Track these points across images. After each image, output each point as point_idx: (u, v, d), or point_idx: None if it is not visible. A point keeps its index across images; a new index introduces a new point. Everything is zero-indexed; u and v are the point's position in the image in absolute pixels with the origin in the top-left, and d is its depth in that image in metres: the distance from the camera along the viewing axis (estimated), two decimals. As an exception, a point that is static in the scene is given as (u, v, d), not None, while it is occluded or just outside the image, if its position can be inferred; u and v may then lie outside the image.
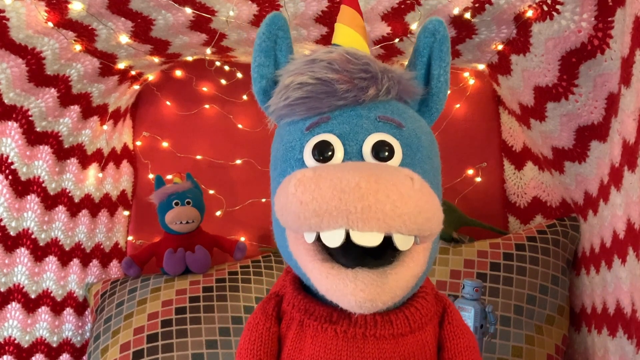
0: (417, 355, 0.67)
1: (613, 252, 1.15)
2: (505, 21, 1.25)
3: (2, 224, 1.33)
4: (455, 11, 1.24)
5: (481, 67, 1.58)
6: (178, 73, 1.87)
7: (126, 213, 1.88)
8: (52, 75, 1.34)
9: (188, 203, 1.65)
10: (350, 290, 0.56)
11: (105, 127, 1.67)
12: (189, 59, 1.71)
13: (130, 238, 1.90)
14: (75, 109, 1.48)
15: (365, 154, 0.63)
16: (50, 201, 1.48)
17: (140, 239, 1.89)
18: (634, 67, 0.95)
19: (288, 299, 0.71)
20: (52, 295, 1.53)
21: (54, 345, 1.54)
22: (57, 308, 1.55)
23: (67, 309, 1.60)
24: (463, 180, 1.80)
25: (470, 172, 1.80)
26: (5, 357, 1.38)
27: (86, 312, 1.69)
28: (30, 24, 1.19)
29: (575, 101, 1.24)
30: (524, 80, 1.34)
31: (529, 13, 1.18)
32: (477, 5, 1.21)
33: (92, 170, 1.67)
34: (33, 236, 1.44)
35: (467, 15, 1.24)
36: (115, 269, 1.82)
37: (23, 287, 1.42)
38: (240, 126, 1.88)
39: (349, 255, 0.58)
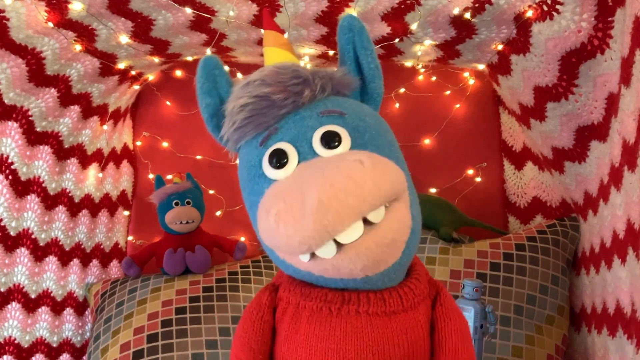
0: (409, 333, 0.70)
1: (613, 252, 1.15)
2: (505, 21, 1.25)
3: (2, 224, 1.33)
4: (455, 11, 1.24)
5: (481, 67, 1.58)
6: (178, 73, 1.87)
7: (126, 213, 1.88)
8: (52, 75, 1.34)
9: (188, 203, 1.65)
10: (355, 256, 0.62)
11: (105, 127, 1.67)
12: (189, 59, 1.71)
13: (130, 238, 1.90)
14: (75, 109, 1.48)
15: (317, 148, 0.67)
16: (50, 201, 1.48)
17: (140, 239, 1.89)
18: (634, 67, 0.95)
19: (284, 286, 0.75)
20: (52, 295, 1.53)
21: (54, 345, 1.54)
22: (57, 308, 1.55)
23: (67, 309, 1.60)
24: (463, 180, 1.80)
25: (470, 172, 1.80)
26: (5, 357, 1.38)
27: (86, 312, 1.69)
28: (30, 24, 1.19)
29: (575, 101, 1.24)
30: (524, 80, 1.34)
31: (529, 13, 1.18)
32: (477, 5, 1.21)
33: (92, 170, 1.67)
34: (33, 236, 1.44)
35: (467, 15, 1.24)
36: (115, 269, 1.82)
37: (23, 287, 1.42)
38: (240, 126, 1.88)
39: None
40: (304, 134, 0.68)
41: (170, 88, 1.90)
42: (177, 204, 1.64)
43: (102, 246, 1.75)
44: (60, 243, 1.55)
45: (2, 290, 1.35)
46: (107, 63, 1.48)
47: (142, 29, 1.37)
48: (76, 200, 1.60)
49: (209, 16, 1.32)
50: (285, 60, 0.77)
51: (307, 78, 0.70)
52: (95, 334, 1.53)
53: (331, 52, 1.56)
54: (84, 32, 1.31)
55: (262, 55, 1.62)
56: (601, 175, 1.24)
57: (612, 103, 1.14)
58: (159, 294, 1.54)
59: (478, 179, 1.80)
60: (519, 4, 1.18)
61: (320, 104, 0.70)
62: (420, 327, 0.72)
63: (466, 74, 1.79)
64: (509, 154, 1.76)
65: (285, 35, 0.84)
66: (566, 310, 1.46)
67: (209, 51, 1.55)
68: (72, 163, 1.55)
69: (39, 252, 1.47)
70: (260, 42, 1.50)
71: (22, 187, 1.37)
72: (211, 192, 1.87)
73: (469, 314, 1.19)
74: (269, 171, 0.68)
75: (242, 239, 1.84)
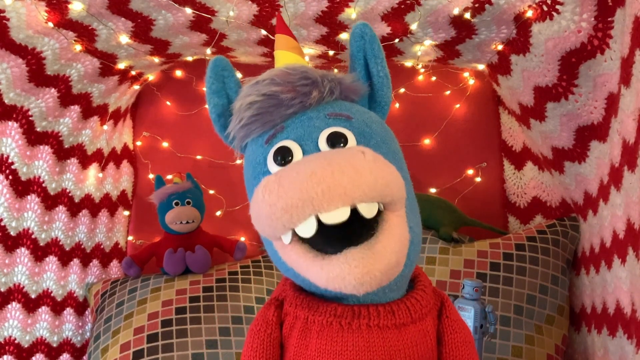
0: (420, 344, 0.70)
1: (613, 252, 1.15)
2: (505, 21, 1.25)
3: (3, 224, 1.33)
4: (455, 11, 1.24)
5: (481, 67, 1.58)
6: (178, 73, 1.88)
7: (126, 213, 1.88)
8: (52, 75, 1.35)
9: (188, 203, 1.65)
10: (346, 271, 0.60)
11: (105, 127, 1.67)
12: (189, 59, 1.71)
13: (130, 238, 1.90)
14: (75, 109, 1.48)
15: (322, 147, 0.67)
16: (50, 201, 1.48)
17: (140, 239, 1.89)
18: (633, 67, 0.95)
19: (290, 300, 0.73)
20: (52, 295, 1.53)
21: (54, 345, 1.54)
22: (57, 308, 1.55)
23: (67, 309, 1.60)
24: (463, 180, 1.80)
25: (470, 172, 1.81)
26: (5, 357, 1.38)
27: (86, 312, 1.69)
28: (31, 24, 1.19)
29: (575, 101, 1.24)
30: (524, 80, 1.35)
31: (529, 13, 1.18)
32: (477, 5, 1.21)
33: (92, 170, 1.67)
34: (33, 236, 1.44)
35: (467, 16, 1.24)
36: (115, 269, 1.82)
37: (23, 287, 1.42)
38: (240, 126, 1.88)
39: (332, 242, 0.62)
40: (310, 134, 0.68)
41: (170, 88, 1.90)
42: (177, 204, 1.64)
43: (102, 246, 1.75)
44: (61, 243, 1.55)
45: (2, 290, 1.35)
46: (107, 63, 1.48)
47: (142, 29, 1.37)
48: (76, 200, 1.60)
49: (209, 16, 1.32)
50: (295, 63, 0.77)
51: (316, 80, 0.70)
52: (95, 334, 1.53)
53: (331, 52, 1.56)
54: (84, 32, 1.31)
55: (262, 55, 1.63)
56: (601, 175, 1.24)
57: (612, 103, 1.14)
58: (159, 294, 1.54)
59: (478, 179, 1.80)
60: (519, 4, 1.18)
61: (328, 107, 0.70)
62: (429, 338, 0.71)
63: (466, 74, 1.79)
64: (509, 154, 1.76)
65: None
66: (566, 310, 1.46)
67: (209, 51, 1.55)
68: (72, 163, 1.55)
69: (39, 252, 1.47)
70: (260, 42, 1.50)
71: (22, 187, 1.37)
72: (211, 192, 1.87)
73: (469, 314, 1.19)
74: (273, 168, 0.68)
75: (242, 239, 1.84)
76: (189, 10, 1.29)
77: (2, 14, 1.13)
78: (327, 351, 0.68)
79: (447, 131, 1.81)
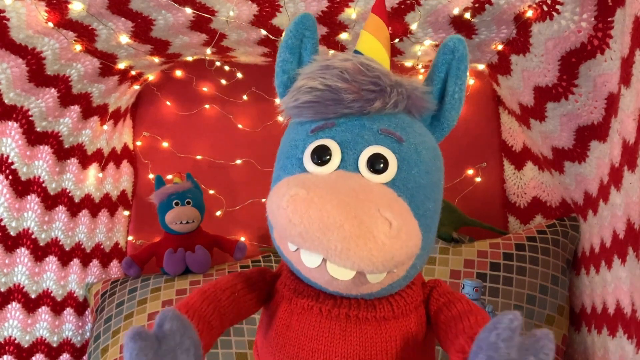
0: (399, 340, 0.70)
1: (613, 252, 1.15)
2: (505, 21, 1.25)
3: (2, 224, 1.33)
4: (455, 11, 1.24)
5: (481, 67, 1.58)
6: (178, 73, 1.88)
7: (126, 213, 1.88)
8: (52, 75, 1.35)
9: (188, 203, 1.65)
10: (340, 279, 0.62)
11: (105, 127, 1.67)
12: (189, 59, 1.71)
13: (130, 238, 1.90)
14: (75, 109, 1.48)
15: (361, 165, 0.65)
16: (50, 201, 1.48)
17: (140, 239, 1.89)
18: (633, 67, 0.95)
19: (282, 279, 0.76)
20: (52, 295, 1.53)
21: (54, 345, 1.54)
22: (57, 308, 1.55)
23: (67, 309, 1.60)
24: (463, 180, 1.80)
25: (470, 172, 1.81)
26: (5, 357, 1.38)
27: (86, 312, 1.69)
28: (31, 24, 1.19)
29: (575, 101, 1.24)
30: (524, 80, 1.34)
31: (529, 13, 1.18)
32: (477, 5, 1.21)
33: (92, 170, 1.67)
34: (33, 236, 1.44)
35: (467, 15, 1.24)
36: (115, 269, 1.82)
37: (23, 287, 1.42)
38: (240, 126, 1.88)
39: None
40: (355, 144, 0.65)
41: (170, 88, 1.90)
42: (177, 204, 1.64)
43: (102, 246, 1.75)
44: (61, 243, 1.55)
45: (2, 290, 1.35)
46: (107, 63, 1.48)
47: (142, 29, 1.37)
48: (76, 200, 1.60)
49: (209, 16, 1.32)
50: (378, 56, 0.73)
51: (384, 89, 0.67)
52: (95, 334, 1.53)
53: (331, 52, 1.56)
54: (84, 32, 1.31)
55: (262, 55, 1.63)
56: (601, 175, 1.24)
57: (612, 103, 1.14)
58: (159, 294, 1.54)
59: (478, 179, 1.80)
60: (519, 4, 1.18)
61: (385, 119, 0.67)
62: (410, 336, 0.71)
63: (466, 74, 1.79)
64: (509, 154, 1.76)
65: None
66: (566, 310, 1.46)
67: (209, 51, 1.55)
68: (72, 163, 1.55)
69: (39, 252, 1.47)
70: (260, 42, 1.50)
71: (22, 187, 1.37)
72: (211, 192, 1.87)
73: (469, 314, 1.18)
74: (308, 163, 0.66)
75: (242, 239, 1.84)
76: (189, 10, 1.29)
77: (2, 14, 1.13)
78: (305, 335, 0.69)
79: (447, 131, 1.81)
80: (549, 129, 1.37)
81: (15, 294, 1.40)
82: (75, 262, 1.63)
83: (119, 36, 1.37)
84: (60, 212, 1.54)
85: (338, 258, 0.57)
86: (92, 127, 1.59)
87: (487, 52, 1.43)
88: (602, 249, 1.26)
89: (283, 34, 0.73)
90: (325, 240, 0.57)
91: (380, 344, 0.68)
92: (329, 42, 1.47)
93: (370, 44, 0.76)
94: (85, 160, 1.61)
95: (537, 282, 1.44)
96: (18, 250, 1.39)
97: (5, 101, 1.27)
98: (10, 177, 1.33)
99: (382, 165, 0.65)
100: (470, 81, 1.79)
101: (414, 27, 1.32)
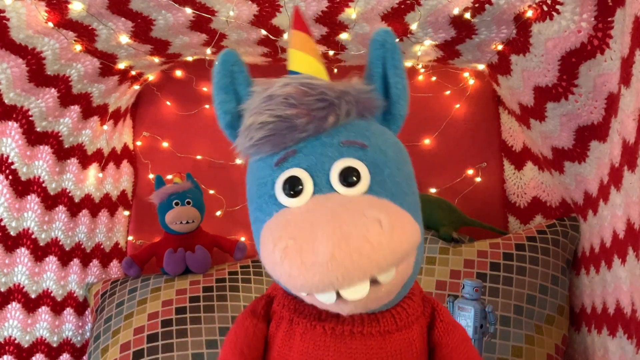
0: (404, 353, 0.70)
1: (613, 252, 1.15)
2: (505, 21, 1.25)
3: (3, 224, 1.33)
4: (455, 11, 1.24)
5: (481, 67, 1.58)
6: (178, 73, 1.88)
7: (126, 213, 1.88)
8: (52, 75, 1.35)
9: (188, 203, 1.65)
10: (353, 307, 0.63)
11: (105, 127, 1.67)
12: (189, 59, 1.71)
13: (130, 238, 1.90)
14: (75, 109, 1.48)
15: (334, 183, 0.64)
16: (50, 201, 1.48)
17: (140, 239, 1.89)
18: (633, 67, 0.95)
19: (279, 299, 0.74)
20: (52, 295, 1.53)
21: (54, 345, 1.54)
22: (57, 308, 1.55)
23: (67, 309, 1.60)
24: (463, 180, 1.80)
25: (470, 172, 1.81)
26: (5, 357, 1.38)
27: (86, 312, 1.69)
28: (31, 24, 1.19)
29: (575, 101, 1.24)
30: (524, 80, 1.35)
31: (529, 13, 1.18)
32: (477, 5, 1.21)
33: (92, 170, 1.67)
34: (33, 236, 1.44)
35: (467, 15, 1.24)
36: (115, 269, 1.82)
37: (23, 287, 1.42)
38: (240, 126, 1.88)
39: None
40: (322, 164, 0.65)
41: (170, 88, 1.90)
42: (177, 204, 1.64)
43: (102, 246, 1.75)
44: (61, 243, 1.55)
45: (2, 290, 1.35)
46: (107, 63, 1.48)
47: (142, 29, 1.37)
48: (76, 200, 1.60)
49: (209, 16, 1.32)
50: (312, 70, 0.73)
51: (333, 102, 0.66)
52: (95, 334, 1.53)
53: (331, 52, 1.56)
54: (84, 32, 1.31)
55: (262, 55, 1.63)
56: (601, 175, 1.24)
57: (612, 103, 1.14)
58: (159, 294, 1.54)
59: (478, 179, 1.80)
60: (519, 4, 1.18)
61: (342, 130, 0.67)
62: (414, 348, 0.71)
63: (466, 74, 1.79)
64: (509, 154, 1.76)
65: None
66: (566, 310, 1.46)
67: (209, 51, 1.55)
68: (72, 163, 1.55)
69: (39, 252, 1.47)
70: (260, 42, 1.50)
71: (22, 187, 1.37)
72: (211, 192, 1.87)
73: (469, 314, 1.19)
74: (282, 198, 0.65)
75: (242, 239, 1.84)
76: (189, 10, 1.29)
77: (2, 14, 1.13)
78: (310, 354, 0.68)
79: (447, 131, 1.81)
80: (549, 129, 1.37)
81: (15, 294, 1.40)
82: (75, 262, 1.63)
83: (119, 36, 1.37)
84: (60, 212, 1.54)
85: (344, 283, 0.57)
86: (92, 127, 1.59)
87: (487, 52, 1.43)
88: (602, 249, 1.26)
89: (212, 76, 0.73)
90: (326, 279, 0.56)
91: (386, 358, 0.69)
92: (329, 42, 1.47)
93: (302, 60, 0.75)
94: (85, 160, 1.61)
95: (537, 282, 1.44)
96: (18, 250, 1.39)
97: (5, 101, 1.27)
98: (10, 177, 1.33)
99: (354, 177, 0.64)
100: (470, 81, 1.79)
101: (414, 27, 1.32)
